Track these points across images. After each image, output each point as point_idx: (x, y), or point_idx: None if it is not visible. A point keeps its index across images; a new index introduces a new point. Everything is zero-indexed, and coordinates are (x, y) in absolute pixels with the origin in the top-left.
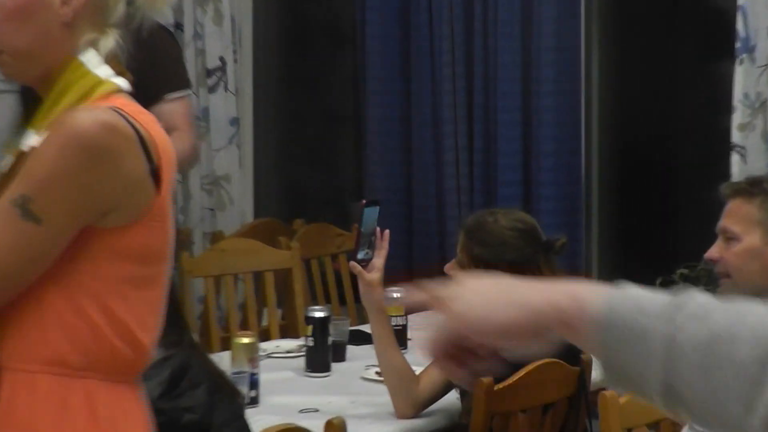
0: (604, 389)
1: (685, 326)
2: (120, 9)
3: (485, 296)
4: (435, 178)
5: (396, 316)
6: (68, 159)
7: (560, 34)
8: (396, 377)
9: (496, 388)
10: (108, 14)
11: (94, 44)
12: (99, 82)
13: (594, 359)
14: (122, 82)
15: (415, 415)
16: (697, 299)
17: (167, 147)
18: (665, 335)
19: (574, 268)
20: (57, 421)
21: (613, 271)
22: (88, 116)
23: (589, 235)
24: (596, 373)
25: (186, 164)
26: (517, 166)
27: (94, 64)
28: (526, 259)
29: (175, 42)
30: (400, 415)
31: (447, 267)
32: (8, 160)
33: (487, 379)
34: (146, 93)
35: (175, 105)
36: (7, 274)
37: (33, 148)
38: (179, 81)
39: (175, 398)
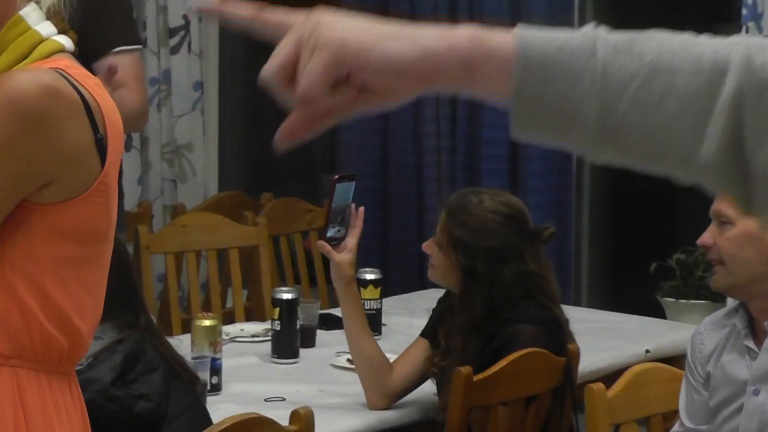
0: (591, 382)
1: (612, 60)
2: None
3: (369, 26)
4: (413, 150)
5: (370, 300)
6: (5, 125)
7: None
8: (367, 365)
9: (475, 378)
10: None
11: None
12: (40, 39)
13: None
14: (66, 41)
15: (388, 406)
16: (606, 32)
17: (115, 115)
18: (594, 71)
19: (563, 251)
20: None
21: (605, 254)
22: (29, 78)
23: (580, 216)
24: (583, 364)
25: (133, 124)
26: (504, 139)
27: (35, 20)
28: (509, 246)
29: None
30: (372, 405)
31: (425, 245)
32: None
33: (465, 369)
34: (91, 47)
35: (122, 59)
36: None
37: None
38: (128, 35)
39: (128, 384)
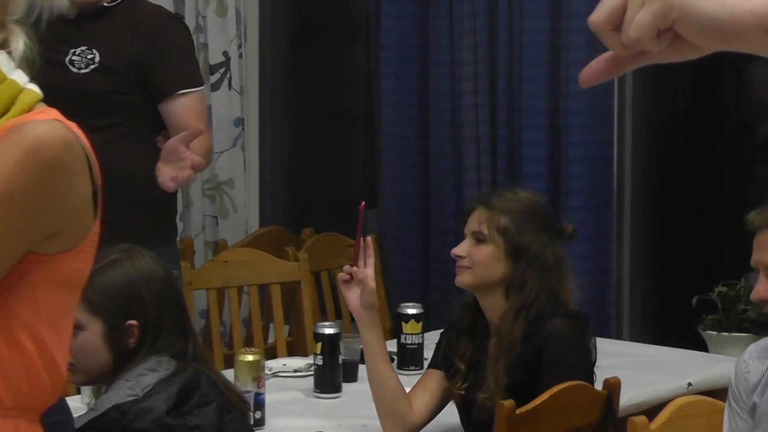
0: (632, 415)
1: None
2: (22, 3)
3: None
4: (454, 185)
5: (411, 334)
6: (24, 175)
7: (592, 30)
8: (385, 396)
9: (518, 411)
10: (9, 9)
11: (3, 45)
12: (19, 89)
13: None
14: (38, 89)
15: None
16: None
17: (97, 166)
18: None
19: (604, 284)
20: None
21: (647, 288)
22: (48, 130)
23: (621, 250)
24: (625, 398)
25: (205, 165)
26: (544, 175)
27: (8, 68)
28: (551, 228)
29: (187, 33)
30: None
31: (458, 249)
32: None
33: (508, 403)
34: (158, 88)
35: (187, 102)
36: None
37: None
38: (192, 77)
39: (183, 415)
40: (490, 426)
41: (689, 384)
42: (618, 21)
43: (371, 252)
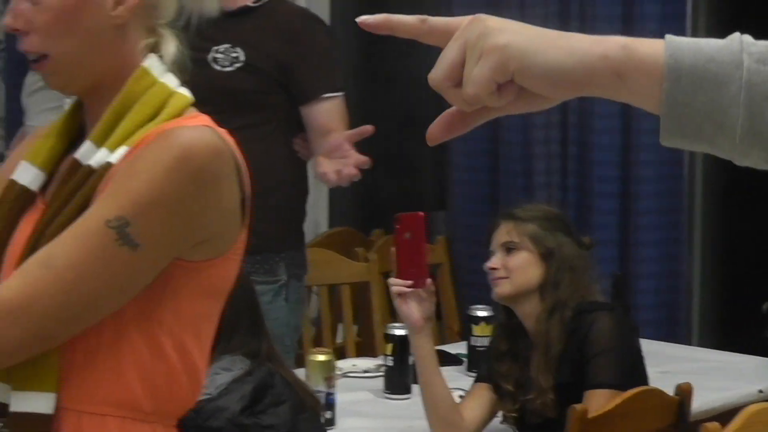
0: (703, 421)
1: (758, 70)
2: (172, 7)
3: (531, 33)
4: (524, 188)
5: (481, 337)
6: (175, 182)
7: (664, 34)
8: (439, 407)
9: (590, 416)
10: (161, 13)
11: (154, 49)
12: (170, 93)
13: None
14: (189, 93)
15: None
16: (751, 41)
17: (247, 172)
18: (741, 81)
19: (674, 288)
20: None
21: (716, 293)
22: (198, 137)
23: (691, 255)
24: (696, 404)
25: (365, 165)
26: (615, 177)
27: (159, 71)
28: (574, 231)
29: (330, 35)
30: None
31: (491, 263)
32: (35, 174)
33: (580, 407)
34: (300, 91)
35: (331, 105)
36: (90, 300)
37: (114, 166)
38: (336, 81)
39: (257, 414)
40: (543, 429)
41: (760, 391)
42: (458, 76)
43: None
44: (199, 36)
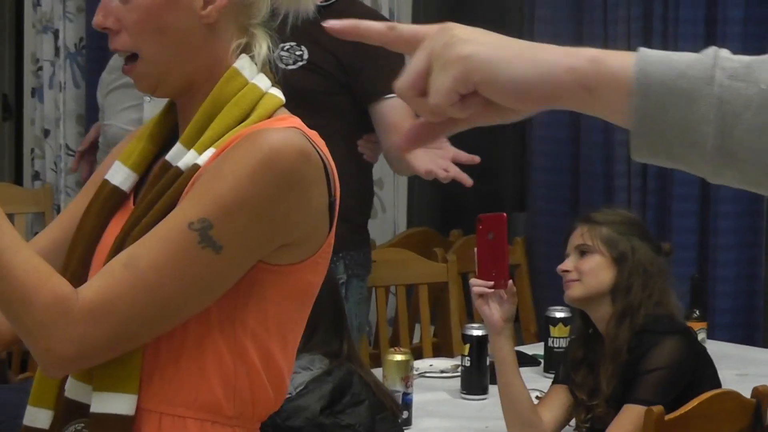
0: None
1: (729, 87)
2: (265, 7)
3: (497, 43)
4: (604, 189)
5: (558, 338)
6: (260, 185)
7: (747, 38)
8: (519, 409)
9: (666, 418)
10: (253, 13)
11: (245, 49)
12: (261, 94)
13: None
14: (281, 95)
15: None
16: (726, 56)
17: (336, 175)
18: (712, 97)
19: (752, 290)
20: None
21: None
22: (284, 140)
23: None
24: None
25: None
26: (695, 181)
27: (250, 73)
28: (650, 237)
29: None
30: None
31: (563, 265)
32: (127, 175)
33: (657, 408)
34: (367, 90)
35: (397, 103)
36: (172, 302)
37: (200, 168)
38: None
39: (336, 414)
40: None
41: None
42: (424, 86)
43: None
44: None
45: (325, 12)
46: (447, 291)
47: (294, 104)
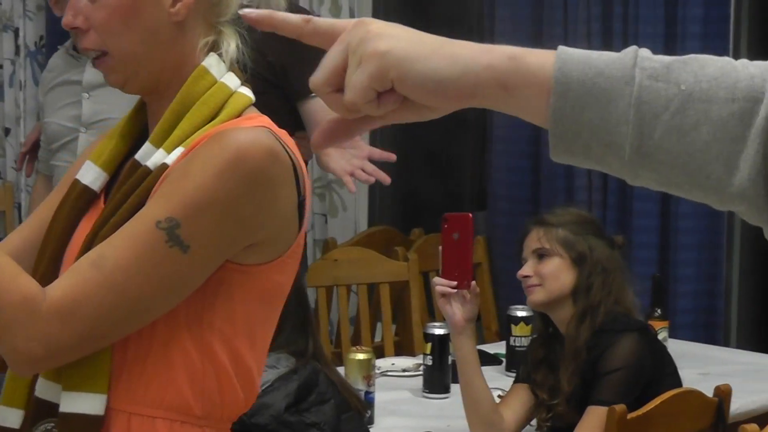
0: (742, 422)
1: (648, 87)
2: (235, 4)
3: (414, 39)
4: (564, 189)
5: (520, 337)
6: (227, 184)
7: (707, 37)
8: (480, 408)
9: (629, 417)
10: (222, 10)
11: (214, 47)
12: (230, 93)
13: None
14: (251, 94)
15: None
16: (647, 55)
17: (307, 175)
18: (631, 97)
19: (713, 292)
20: None
21: (755, 295)
22: (251, 139)
23: (730, 259)
24: (734, 405)
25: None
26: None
27: (219, 71)
28: (604, 235)
29: None
30: None
31: (523, 271)
32: (97, 174)
33: (619, 407)
34: (296, 88)
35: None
36: (140, 301)
37: (168, 167)
38: None
39: (302, 412)
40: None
41: None
42: (340, 81)
43: None
44: None
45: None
46: (408, 290)
47: None
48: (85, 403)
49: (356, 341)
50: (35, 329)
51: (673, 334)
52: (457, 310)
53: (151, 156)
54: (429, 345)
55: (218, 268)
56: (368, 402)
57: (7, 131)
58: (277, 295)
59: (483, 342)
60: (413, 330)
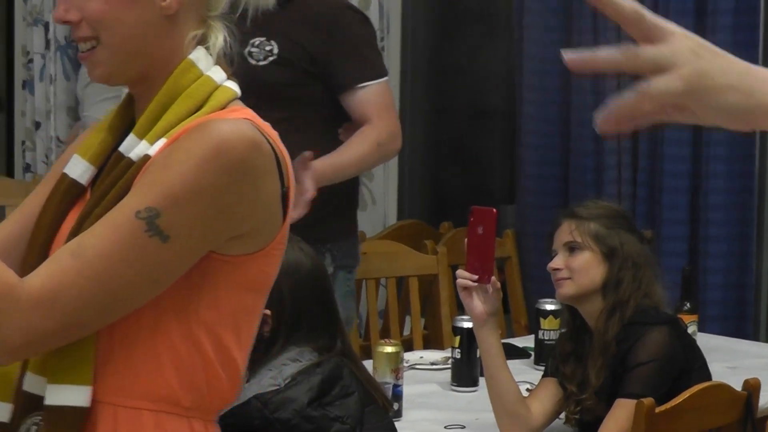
0: None
1: None
2: None
3: (725, 68)
4: (594, 182)
5: (549, 330)
6: (209, 174)
7: (737, 29)
8: (506, 401)
9: (657, 410)
10: (212, 5)
11: (202, 41)
12: (215, 86)
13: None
14: (236, 87)
15: None
16: None
17: (290, 166)
18: None
19: (742, 284)
20: None
21: None
22: (233, 129)
23: (761, 251)
24: (765, 399)
25: (388, 153)
26: (685, 173)
27: (205, 65)
28: (635, 228)
29: (366, 24)
30: None
31: (553, 263)
32: (85, 167)
33: (648, 400)
34: (339, 81)
35: (367, 94)
36: (120, 290)
37: (150, 158)
38: (375, 68)
39: (324, 406)
40: (595, 426)
41: None
42: (650, 69)
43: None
44: (237, 30)
45: (290, 5)
46: (437, 283)
47: (268, 98)
48: (70, 396)
49: (385, 334)
50: (15, 318)
51: (701, 327)
52: (478, 303)
53: (134, 147)
54: (457, 338)
55: (203, 258)
56: (396, 395)
57: (37, 125)
58: (262, 286)
59: (512, 336)
60: (442, 323)
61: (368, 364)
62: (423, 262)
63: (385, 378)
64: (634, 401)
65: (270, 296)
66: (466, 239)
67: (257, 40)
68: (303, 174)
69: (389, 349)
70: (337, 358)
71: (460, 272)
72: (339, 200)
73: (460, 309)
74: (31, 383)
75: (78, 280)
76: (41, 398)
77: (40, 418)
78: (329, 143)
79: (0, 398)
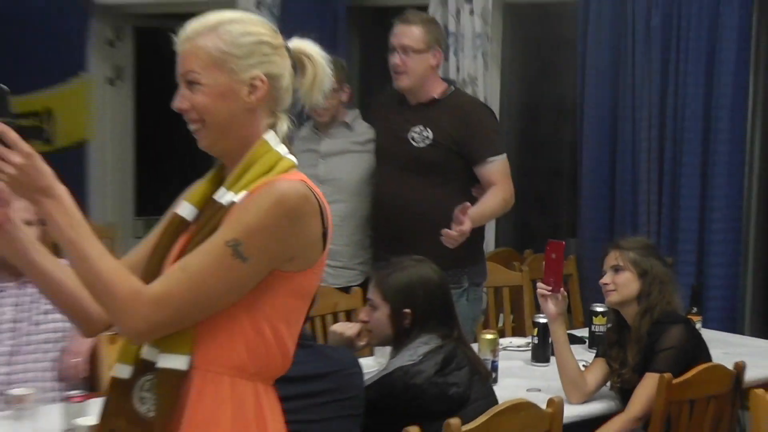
0: (755, 387)
1: None
2: (288, 99)
3: None
4: (632, 223)
5: (599, 325)
6: (274, 216)
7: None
8: (569, 373)
9: (674, 382)
10: (280, 103)
11: (272, 127)
12: (280, 158)
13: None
14: (294, 159)
15: (583, 402)
16: None
17: (331, 215)
18: None
19: (733, 298)
20: (235, 415)
21: (765, 294)
22: (291, 186)
23: (746, 272)
24: (749, 375)
25: (504, 209)
26: (695, 218)
27: (274, 142)
28: (664, 262)
29: (491, 116)
30: (574, 401)
31: (605, 279)
32: (190, 210)
33: (668, 375)
34: (472, 156)
35: (494, 165)
36: (213, 297)
37: (235, 204)
38: (497, 145)
39: (445, 375)
40: (631, 392)
41: None
42: None
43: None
44: (401, 118)
45: (441, 102)
46: (522, 292)
47: (425, 170)
48: (176, 362)
49: (486, 326)
50: (140, 312)
51: (705, 325)
52: (552, 306)
53: (224, 196)
54: (536, 329)
55: (267, 274)
56: (494, 368)
57: None
58: (307, 294)
59: (573, 328)
60: (525, 319)
61: (474, 347)
62: (512, 277)
63: (486, 356)
64: (658, 375)
65: (410, 300)
66: (543, 262)
67: (417, 128)
68: (463, 216)
69: (489, 336)
70: (453, 342)
71: (539, 284)
72: (473, 236)
73: (538, 309)
74: (148, 352)
75: (182, 287)
76: (153, 363)
77: (152, 376)
78: (464, 197)
79: (125, 361)
